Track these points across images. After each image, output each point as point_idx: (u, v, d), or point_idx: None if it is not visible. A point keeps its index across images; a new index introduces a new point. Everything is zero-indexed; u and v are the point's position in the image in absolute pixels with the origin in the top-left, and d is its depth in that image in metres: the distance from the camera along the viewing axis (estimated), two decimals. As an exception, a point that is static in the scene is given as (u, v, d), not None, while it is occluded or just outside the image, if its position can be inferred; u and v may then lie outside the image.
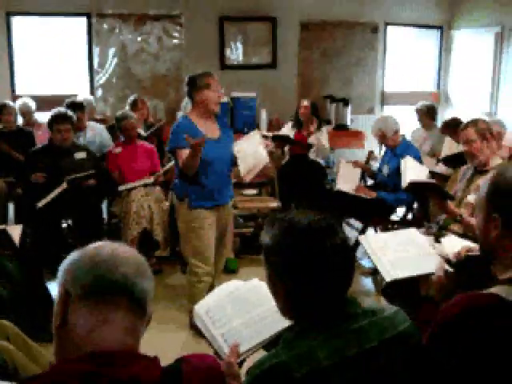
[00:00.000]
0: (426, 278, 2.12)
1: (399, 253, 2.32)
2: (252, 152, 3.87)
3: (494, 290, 1.49)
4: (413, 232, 2.50)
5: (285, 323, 1.81)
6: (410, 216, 5.24)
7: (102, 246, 1.32)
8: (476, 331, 1.42)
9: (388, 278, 2.21)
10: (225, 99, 6.82)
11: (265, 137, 4.94)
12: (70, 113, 4.92)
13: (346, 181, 5.05)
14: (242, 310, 1.93)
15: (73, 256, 1.31)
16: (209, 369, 1.33)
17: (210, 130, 3.83)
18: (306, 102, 6.43)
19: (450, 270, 2.21)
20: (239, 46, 7.54)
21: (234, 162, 3.92)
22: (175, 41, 7.31)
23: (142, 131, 5.55)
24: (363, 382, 1.39)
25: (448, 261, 3.45)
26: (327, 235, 1.44)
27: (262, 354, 1.57)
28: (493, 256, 1.61)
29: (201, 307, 1.97)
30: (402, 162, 4.20)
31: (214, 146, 3.76)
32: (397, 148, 5.06)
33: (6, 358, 2.52)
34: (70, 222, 5.07)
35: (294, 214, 1.52)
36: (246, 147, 3.90)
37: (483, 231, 1.60)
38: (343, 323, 1.43)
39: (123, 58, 7.14)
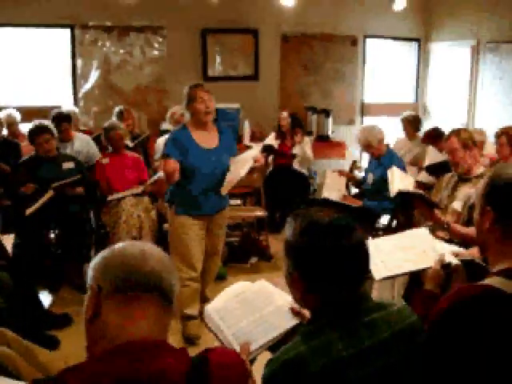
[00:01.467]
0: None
1: (393, 253, 2.42)
2: (237, 167, 3.87)
3: (487, 281, 1.59)
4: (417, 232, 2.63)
5: (293, 322, 1.89)
6: (394, 224, 5.35)
7: (130, 244, 1.40)
8: (470, 319, 1.49)
9: (377, 277, 2.34)
10: (236, 106, 6.92)
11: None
12: (46, 123, 4.94)
13: (332, 189, 5.14)
14: (251, 310, 1.99)
15: (103, 253, 1.38)
16: (234, 360, 1.40)
17: (206, 139, 3.87)
18: (285, 114, 6.58)
19: (455, 262, 2.31)
20: (221, 57, 7.62)
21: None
22: (158, 52, 7.37)
23: (128, 142, 5.58)
24: (377, 374, 1.46)
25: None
26: (346, 233, 1.51)
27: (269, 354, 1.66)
28: (486, 248, 1.72)
29: (211, 308, 2.03)
30: (389, 171, 4.29)
31: (205, 155, 3.82)
32: (382, 157, 5.17)
33: (7, 365, 2.54)
34: (56, 231, 5.06)
35: (316, 211, 1.59)
36: (236, 163, 3.90)
37: (479, 224, 1.72)
38: (358, 317, 1.50)
39: (106, 69, 7.17)
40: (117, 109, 6.13)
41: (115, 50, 7.17)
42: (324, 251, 1.48)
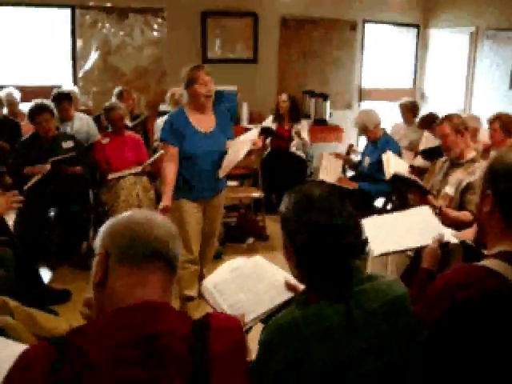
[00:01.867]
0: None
1: (393, 230, 2.49)
2: (234, 151, 3.84)
3: (485, 262, 1.66)
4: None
5: (287, 295, 1.97)
6: (389, 206, 5.43)
7: (137, 212, 1.47)
8: (466, 296, 1.57)
9: (376, 253, 2.45)
10: (233, 88, 6.91)
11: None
12: (47, 103, 4.97)
13: (329, 172, 5.21)
14: (247, 283, 2.07)
15: (111, 221, 1.45)
16: (233, 324, 1.47)
17: (202, 122, 3.85)
18: (284, 97, 6.62)
19: (454, 241, 2.38)
20: (221, 40, 7.65)
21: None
22: (158, 34, 7.39)
23: (128, 122, 5.63)
24: (368, 343, 1.52)
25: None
26: (336, 206, 1.57)
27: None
28: (485, 231, 1.77)
29: (209, 282, 2.12)
30: (384, 156, 4.36)
31: (202, 138, 3.80)
32: (378, 141, 5.24)
33: (11, 335, 2.60)
34: (56, 211, 5.13)
35: (311, 186, 1.66)
36: (234, 145, 3.88)
37: (479, 208, 1.77)
38: (349, 287, 1.56)
39: (106, 50, 7.19)
40: (117, 89, 6.18)
41: (115, 32, 7.18)
42: (314, 225, 1.54)
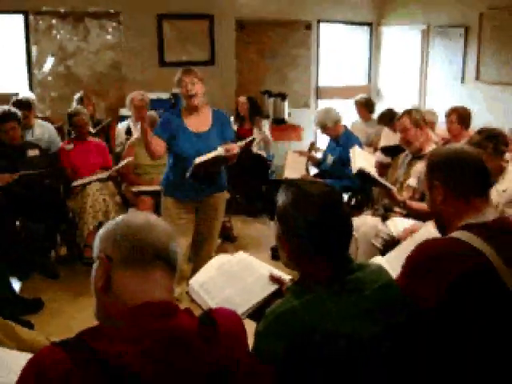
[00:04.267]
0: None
1: None
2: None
3: (453, 234, 1.84)
4: None
5: (272, 287, 2.03)
6: (353, 201, 5.55)
7: (134, 215, 1.52)
8: (439, 264, 1.74)
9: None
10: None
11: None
12: (14, 110, 4.89)
13: (293, 170, 5.30)
14: (233, 280, 2.11)
15: (109, 225, 1.47)
16: (235, 318, 1.53)
17: (196, 122, 3.92)
18: (243, 99, 6.69)
19: None
20: (178, 43, 7.65)
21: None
22: (114, 39, 7.34)
23: (90, 128, 5.60)
24: (366, 326, 1.60)
25: (394, 239, 3.77)
26: (332, 204, 1.67)
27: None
28: (442, 218, 1.96)
29: (195, 281, 2.16)
30: (351, 150, 4.41)
31: (193, 139, 3.86)
32: (339, 138, 5.36)
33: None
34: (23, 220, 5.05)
35: (306, 183, 1.76)
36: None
37: (430, 198, 1.99)
38: (343, 276, 1.65)
39: (62, 56, 7.09)
40: (77, 95, 6.12)
41: (70, 37, 7.09)
42: (310, 221, 1.62)
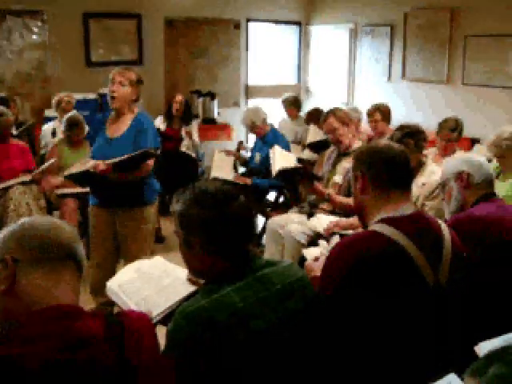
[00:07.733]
0: None
1: None
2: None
3: (370, 228, 1.94)
4: None
5: (190, 289, 2.05)
6: (281, 199, 5.62)
7: (37, 217, 1.51)
8: (359, 258, 1.81)
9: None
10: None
11: None
12: None
13: (221, 169, 5.31)
14: (150, 281, 2.14)
15: (11, 228, 1.45)
16: (145, 321, 1.53)
17: (114, 127, 3.73)
18: (180, 97, 6.52)
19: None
20: (105, 42, 7.52)
21: None
22: (39, 38, 7.14)
23: (13, 130, 5.44)
24: (276, 321, 1.64)
25: (319, 235, 3.83)
26: (231, 199, 1.69)
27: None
28: (363, 209, 2.05)
29: (113, 283, 2.16)
30: (271, 151, 4.42)
31: (105, 143, 3.70)
32: (266, 137, 5.41)
33: None
34: None
35: (203, 183, 1.78)
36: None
37: (354, 189, 2.09)
38: (251, 273, 1.68)
39: (-17, 55, 6.88)
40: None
41: (-9, 35, 6.88)
42: (213, 215, 1.66)
